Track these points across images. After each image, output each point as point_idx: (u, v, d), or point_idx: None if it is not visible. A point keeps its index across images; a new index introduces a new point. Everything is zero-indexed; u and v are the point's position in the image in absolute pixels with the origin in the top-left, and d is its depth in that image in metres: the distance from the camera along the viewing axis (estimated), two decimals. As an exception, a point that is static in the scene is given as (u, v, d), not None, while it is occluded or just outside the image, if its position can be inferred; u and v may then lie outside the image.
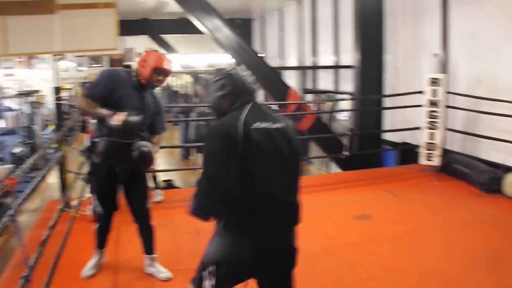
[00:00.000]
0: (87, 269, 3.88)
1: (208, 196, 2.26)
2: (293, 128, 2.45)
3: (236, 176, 2.19)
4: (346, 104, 7.52)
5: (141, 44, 21.87)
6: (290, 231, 2.39)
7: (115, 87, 3.54)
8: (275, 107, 12.98)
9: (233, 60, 9.19)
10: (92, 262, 3.93)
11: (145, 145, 3.47)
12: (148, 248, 3.93)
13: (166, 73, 3.64)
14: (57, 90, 5.47)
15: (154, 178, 6.38)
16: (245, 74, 2.48)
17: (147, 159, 3.50)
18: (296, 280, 2.84)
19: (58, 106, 5.54)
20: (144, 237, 3.91)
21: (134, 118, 3.39)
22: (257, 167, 2.24)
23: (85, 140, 5.10)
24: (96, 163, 3.66)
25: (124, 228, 5.04)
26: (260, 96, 8.81)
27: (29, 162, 2.62)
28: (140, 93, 3.62)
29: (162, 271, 3.91)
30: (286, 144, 2.34)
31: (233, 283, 2.42)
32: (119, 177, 3.68)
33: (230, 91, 2.40)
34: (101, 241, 3.99)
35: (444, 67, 7.40)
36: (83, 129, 5.03)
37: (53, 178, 10.04)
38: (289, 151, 2.35)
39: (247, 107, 2.34)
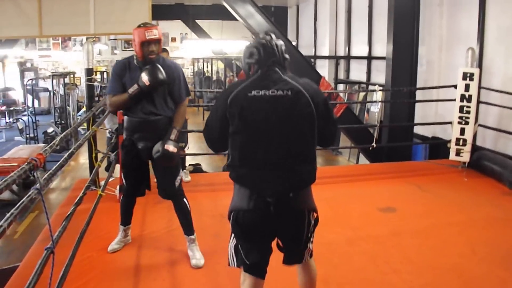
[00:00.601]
0: (112, 244, 4.03)
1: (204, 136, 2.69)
2: (313, 95, 2.51)
3: (218, 132, 2.54)
4: (378, 96, 7.43)
5: (175, 29, 22.12)
6: (292, 194, 2.49)
7: (122, 75, 3.70)
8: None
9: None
10: (116, 238, 4.04)
11: (165, 147, 3.60)
12: (184, 227, 3.99)
13: (153, 42, 3.59)
14: (89, 71, 5.55)
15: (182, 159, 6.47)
16: (277, 44, 2.58)
17: (169, 159, 3.65)
18: (317, 267, 2.87)
19: (90, 87, 5.64)
20: (178, 215, 3.99)
21: (159, 74, 3.54)
22: (245, 130, 2.46)
23: (114, 121, 5.21)
24: (123, 139, 3.84)
25: (151, 209, 5.16)
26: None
27: (58, 139, 2.68)
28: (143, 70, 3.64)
29: (194, 257, 3.90)
30: (284, 111, 2.44)
31: (245, 239, 2.58)
32: (143, 153, 3.78)
33: (256, 60, 2.53)
34: (125, 218, 4.14)
35: (479, 61, 7.26)
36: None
37: (84, 158, 10.29)
38: (287, 118, 2.45)
39: (258, 74, 2.52)
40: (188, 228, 3.98)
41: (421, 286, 3.59)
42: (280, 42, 2.60)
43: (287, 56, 2.60)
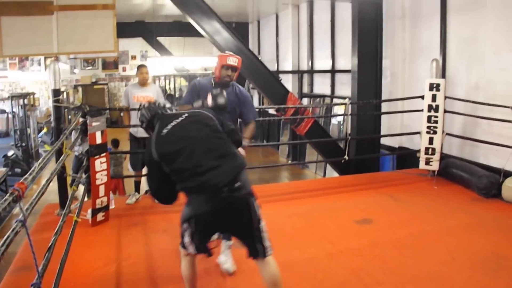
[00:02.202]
0: None
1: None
2: (207, 114, 3.23)
3: (159, 180, 3.13)
4: (343, 109, 7.51)
5: (135, 46, 21.94)
6: (232, 185, 2.87)
7: (198, 92, 4.26)
8: (272, 111, 13.06)
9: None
10: None
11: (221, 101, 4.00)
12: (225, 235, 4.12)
13: (232, 68, 4.19)
14: (57, 92, 5.39)
15: (137, 183, 6.37)
16: (157, 102, 3.38)
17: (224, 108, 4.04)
18: (300, 284, 2.85)
19: (57, 108, 5.45)
20: None
21: (219, 99, 3.96)
22: (178, 154, 2.94)
23: (86, 143, 5.08)
24: None
25: (125, 232, 5.03)
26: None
27: (36, 166, 2.56)
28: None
29: (226, 262, 4.02)
30: (199, 126, 3.07)
31: (203, 235, 3.03)
32: None
33: (145, 120, 3.31)
34: None
35: (442, 72, 7.43)
36: (85, 132, 4.98)
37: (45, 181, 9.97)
38: (204, 129, 3.06)
39: (157, 124, 3.17)
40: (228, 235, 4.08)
41: (406, 297, 3.60)
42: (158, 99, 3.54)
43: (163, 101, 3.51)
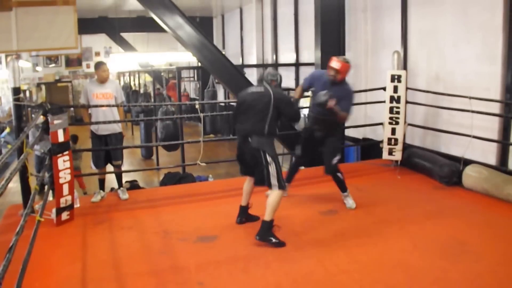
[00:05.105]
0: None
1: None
2: (272, 90, 4.67)
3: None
4: (307, 102, 7.55)
5: (99, 42, 21.60)
6: (251, 139, 4.61)
7: (316, 80, 5.49)
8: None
9: (195, 58, 9.12)
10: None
11: (321, 95, 5.06)
12: (341, 188, 5.58)
13: (332, 69, 5.22)
14: (17, 91, 5.26)
15: (101, 180, 6.28)
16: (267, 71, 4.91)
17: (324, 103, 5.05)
18: (266, 275, 2.87)
19: (17, 107, 5.33)
20: (336, 183, 5.56)
21: (321, 98, 5.02)
22: (241, 110, 4.75)
23: (47, 141, 4.99)
24: (305, 128, 5.91)
25: (91, 230, 4.98)
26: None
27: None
28: (330, 85, 5.23)
29: (347, 203, 5.51)
30: (260, 101, 4.62)
31: (241, 163, 4.99)
32: (317, 138, 5.53)
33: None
34: (290, 176, 5.98)
35: (404, 64, 7.56)
36: (46, 130, 4.88)
37: (12, 182, 9.76)
38: (261, 104, 4.60)
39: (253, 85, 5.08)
40: (342, 188, 5.58)
41: (370, 284, 3.67)
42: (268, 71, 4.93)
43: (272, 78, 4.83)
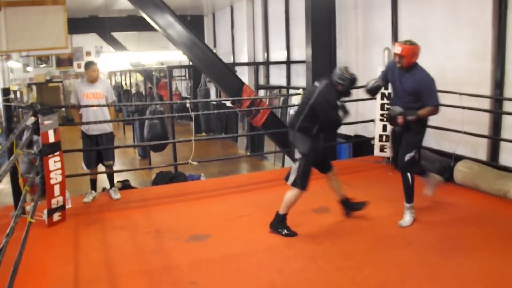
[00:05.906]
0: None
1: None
2: (320, 90, 4.65)
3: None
4: (298, 99, 7.57)
5: (89, 42, 21.48)
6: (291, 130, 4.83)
7: (390, 71, 4.95)
8: (228, 103, 13.05)
9: (186, 57, 9.08)
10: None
11: (393, 110, 4.80)
12: (406, 196, 4.95)
13: (395, 55, 4.71)
14: (6, 91, 5.24)
15: (93, 181, 6.26)
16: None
17: (391, 119, 4.83)
18: (259, 273, 2.87)
19: (7, 108, 5.31)
20: (403, 185, 4.99)
21: (391, 112, 4.82)
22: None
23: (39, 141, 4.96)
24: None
25: (83, 230, 4.96)
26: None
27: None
28: (401, 73, 4.78)
29: (405, 220, 4.86)
30: (305, 97, 4.79)
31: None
32: (397, 134, 5.00)
33: None
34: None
35: (394, 60, 7.56)
36: (36, 131, 4.85)
37: (2, 183, 9.73)
38: (304, 99, 4.75)
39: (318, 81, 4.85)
40: (407, 197, 4.95)
41: (364, 280, 3.68)
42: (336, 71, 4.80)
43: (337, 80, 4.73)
